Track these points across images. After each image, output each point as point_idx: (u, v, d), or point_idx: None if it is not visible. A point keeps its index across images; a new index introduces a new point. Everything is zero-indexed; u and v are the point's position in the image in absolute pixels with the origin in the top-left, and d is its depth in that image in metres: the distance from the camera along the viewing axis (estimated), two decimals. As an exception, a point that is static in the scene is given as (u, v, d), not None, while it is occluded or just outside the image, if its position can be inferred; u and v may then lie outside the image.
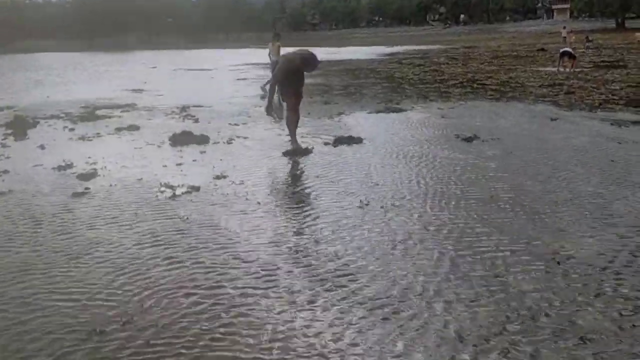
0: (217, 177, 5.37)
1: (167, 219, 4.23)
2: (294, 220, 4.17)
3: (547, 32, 59.50)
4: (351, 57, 28.31)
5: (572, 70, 16.41)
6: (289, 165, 5.91)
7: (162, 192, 4.92)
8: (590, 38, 32.03)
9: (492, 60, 23.54)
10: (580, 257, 3.36)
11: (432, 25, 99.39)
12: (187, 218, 4.23)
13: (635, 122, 7.67)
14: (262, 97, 13.72)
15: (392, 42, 52.47)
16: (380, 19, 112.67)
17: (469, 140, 6.85)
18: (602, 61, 20.38)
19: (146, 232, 3.96)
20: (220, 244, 3.72)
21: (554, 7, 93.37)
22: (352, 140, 7.03)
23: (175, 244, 3.74)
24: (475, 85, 13.71)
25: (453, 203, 4.41)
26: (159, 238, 3.84)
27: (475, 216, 4.10)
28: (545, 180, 4.97)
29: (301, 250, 3.57)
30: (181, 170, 5.71)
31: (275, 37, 14.26)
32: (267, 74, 20.17)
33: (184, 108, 10.75)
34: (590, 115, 8.55)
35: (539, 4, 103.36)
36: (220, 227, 4.03)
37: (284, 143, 6.91)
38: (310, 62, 6.40)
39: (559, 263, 3.28)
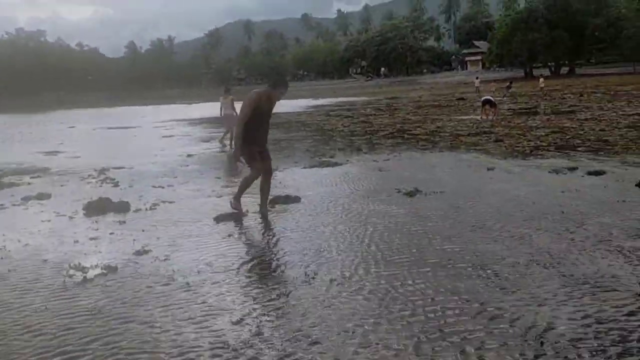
0: (138, 253, 4.67)
1: (71, 310, 3.50)
2: (230, 304, 3.55)
3: (463, 82, 62.75)
4: (279, 110, 28.19)
5: (494, 118, 16.90)
6: (222, 234, 5.28)
7: (70, 276, 4.15)
8: (511, 85, 33.58)
9: (416, 110, 24.08)
10: (564, 331, 2.95)
11: (355, 78, 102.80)
12: (98, 310, 3.51)
13: (571, 169, 7.65)
14: (222, 150, 13.40)
15: (318, 94, 53.19)
16: (305, 73, 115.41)
17: (411, 194, 6.51)
18: (520, 108, 21.27)
19: (40, 328, 3.21)
20: (132, 338, 3.04)
21: (467, 59, 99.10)
22: (289, 199, 6.52)
23: (69, 340, 3.03)
24: (405, 136, 13.70)
25: (411, 271, 3.94)
26: (54, 334, 3.11)
27: (439, 287, 3.64)
28: (500, 238, 4.63)
29: (238, 346, 2.95)
30: (96, 247, 4.95)
31: (227, 91, 14.09)
32: (195, 130, 19.67)
33: (102, 170, 9.90)
34: (525, 163, 8.52)
35: (453, 57, 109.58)
36: (136, 317, 3.35)
37: (215, 207, 6.30)
38: (279, 81, 5.80)
39: (542, 344, 2.84)
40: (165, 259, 4.48)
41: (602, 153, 9.10)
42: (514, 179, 7.23)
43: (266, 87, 5.89)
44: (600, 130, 12.27)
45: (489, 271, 3.85)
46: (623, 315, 3.10)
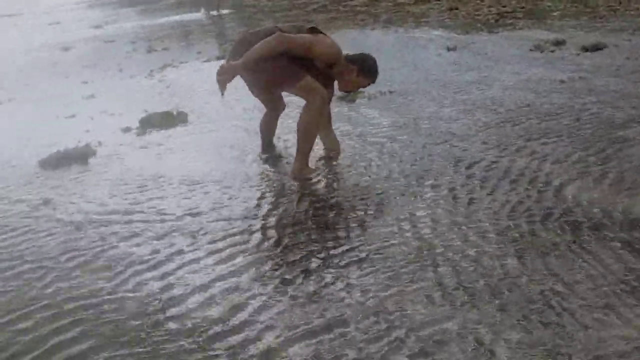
0: None
1: None
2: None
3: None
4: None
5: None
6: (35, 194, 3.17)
7: None
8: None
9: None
10: None
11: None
12: None
13: (557, 43, 5.74)
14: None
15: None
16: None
17: (349, 99, 4.50)
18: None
19: None
20: None
21: None
22: (169, 118, 4.38)
23: None
24: (340, 9, 11.31)
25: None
26: None
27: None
28: (516, 185, 2.75)
29: None
30: None
31: None
32: (96, 13, 16.32)
33: None
34: (495, 39, 6.53)
35: None
36: None
37: (53, 136, 4.08)
38: (373, 71, 3.19)
39: None
40: None
41: (584, 18, 7.20)
42: (487, 65, 5.26)
43: (353, 63, 3.13)
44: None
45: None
46: None
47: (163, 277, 2.15)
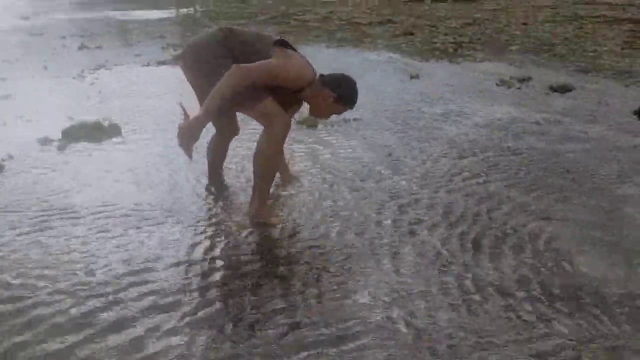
0: None
1: None
2: None
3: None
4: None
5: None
6: None
7: None
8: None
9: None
10: None
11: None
12: None
13: (522, 80, 5.50)
14: None
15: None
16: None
17: (310, 124, 4.01)
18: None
19: None
20: None
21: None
22: (98, 129, 3.72)
23: None
24: (292, 22, 10.85)
25: None
26: None
27: None
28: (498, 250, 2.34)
29: None
30: None
31: None
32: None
33: None
34: (457, 69, 6.23)
35: None
36: None
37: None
38: (351, 99, 2.73)
39: None
40: None
41: (544, 55, 7.07)
42: (454, 98, 4.91)
43: (331, 88, 2.62)
44: (523, 24, 10.29)
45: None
46: None
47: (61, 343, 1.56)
